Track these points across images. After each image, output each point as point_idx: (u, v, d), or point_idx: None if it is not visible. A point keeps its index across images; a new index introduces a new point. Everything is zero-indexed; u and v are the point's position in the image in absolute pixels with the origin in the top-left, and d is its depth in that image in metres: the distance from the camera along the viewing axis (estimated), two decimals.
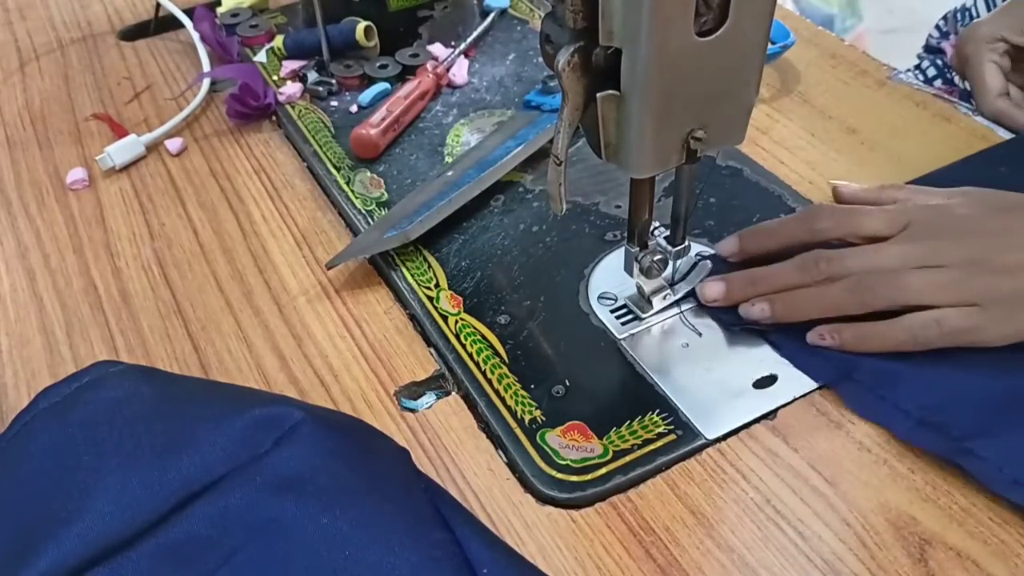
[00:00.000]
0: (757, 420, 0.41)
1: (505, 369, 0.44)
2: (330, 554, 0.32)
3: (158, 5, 0.74)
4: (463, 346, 0.45)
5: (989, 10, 0.75)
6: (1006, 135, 0.57)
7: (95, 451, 0.35)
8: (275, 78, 0.66)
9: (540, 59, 0.55)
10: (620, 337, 0.45)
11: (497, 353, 0.45)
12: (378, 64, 0.66)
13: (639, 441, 0.40)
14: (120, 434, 0.36)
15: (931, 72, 0.80)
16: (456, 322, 0.47)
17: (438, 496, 0.37)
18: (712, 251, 0.49)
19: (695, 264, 0.47)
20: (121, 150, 0.60)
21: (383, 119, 0.59)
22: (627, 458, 0.40)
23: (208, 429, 0.35)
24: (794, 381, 0.42)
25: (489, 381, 0.43)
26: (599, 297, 0.47)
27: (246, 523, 0.33)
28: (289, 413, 0.36)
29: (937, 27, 0.82)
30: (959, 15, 0.79)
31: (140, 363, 0.46)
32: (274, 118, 0.64)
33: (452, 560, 0.33)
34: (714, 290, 0.45)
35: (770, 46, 0.62)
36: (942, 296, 0.40)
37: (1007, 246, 0.41)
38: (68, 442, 0.36)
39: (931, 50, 0.82)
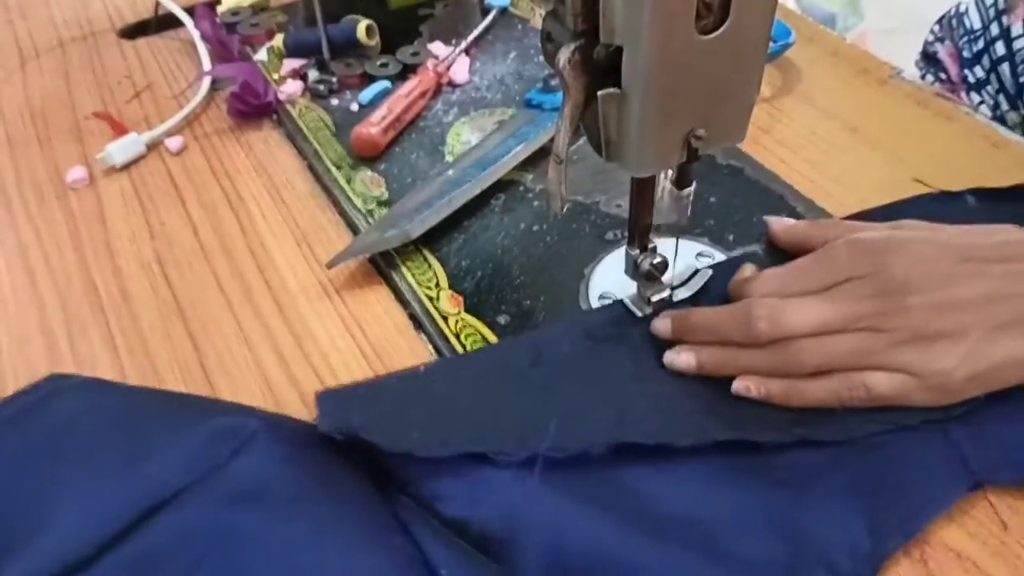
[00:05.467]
0: None
1: None
2: (291, 562, 0.32)
3: (158, 3, 0.74)
4: (463, 346, 0.45)
5: (980, 15, 0.75)
6: (1007, 135, 0.57)
7: (52, 467, 0.35)
8: (275, 76, 0.66)
9: (541, 57, 0.54)
10: None
11: None
12: (379, 62, 0.66)
13: None
14: (77, 449, 0.35)
15: (936, 87, 0.79)
16: (456, 322, 0.46)
17: (396, 499, 0.37)
18: (713, 252, 0.49)
19: (696, 271, 0.47)
20: (121, 149, 0.60)
21: (384, 118, 0.59)
22: None
23: (166, 442, 0.35)
24: None
25: None
26: (599, 297, 0.47)
27: (206, 535, 0.33)
28: (246, 423, 0.36)
29: (932, 31, 0.82)
30: (953, 21, 0.79)
31: (139, 363, 0.46)
32: (275, 117, 0.64)
33: (412, 563, 0.33)
34: (660, 327, 0.43)
35: (771, 44, 0.62)
36: (872, 362, 0.38)
37: (942, 310, 0.38)
38: (23, 458, 0.35)
39: (928, 57, 0.82)
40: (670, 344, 0.43)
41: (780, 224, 0.48)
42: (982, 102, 0.75)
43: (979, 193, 0.49)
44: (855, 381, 0.38)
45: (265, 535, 0.33)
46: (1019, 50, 0.71)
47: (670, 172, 0.41)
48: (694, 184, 0.41)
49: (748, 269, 0.45)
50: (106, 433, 0.36)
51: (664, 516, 0.36)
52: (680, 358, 0.42)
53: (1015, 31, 0.71)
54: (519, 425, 0.38)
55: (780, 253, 0.47)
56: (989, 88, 0.75)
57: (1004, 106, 0.74)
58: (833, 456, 0.38)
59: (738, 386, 0.40)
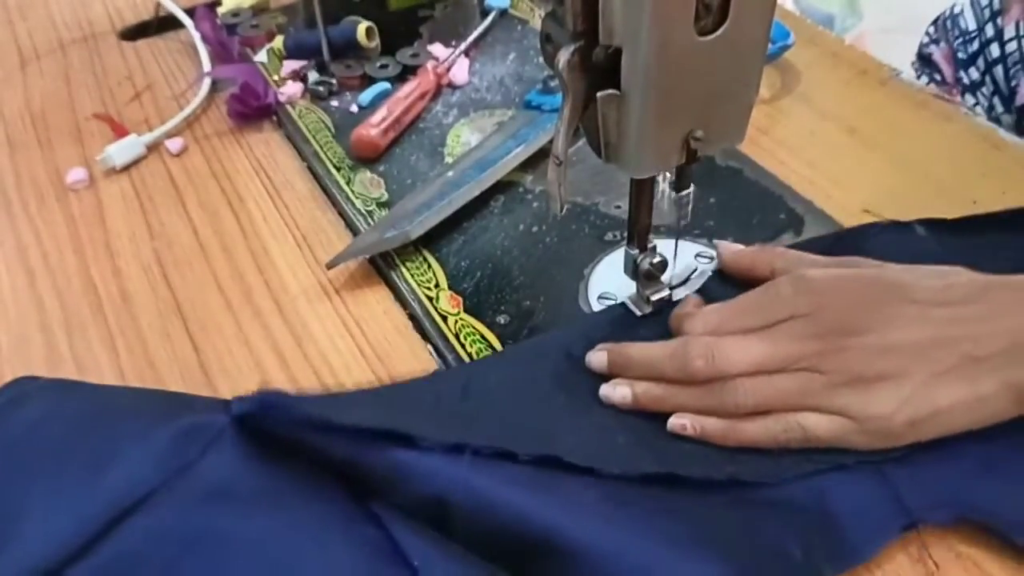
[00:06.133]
0: None
1: None
2: (267, 557, 0.32)
3: (158, 4, 0.74)
4: (463, 346, 0.45)
5: (976, 15, 0.75)
6: (1007, 136, 0.57)
7: (18, 475, 0.35)
8: (275, 78, 0.66)
9: (540, 59, 0.55)
10: None
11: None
12: (378, 64, 0.66)
13: None
14: (43, 457, 0.35)
15: (931, 89, 0.79)
16: (456, 322, 0.47)
17: (370, 492, 0.37)
18: (712, 253, 0.49)
19: (695, 271, 0.47)
20: (121, 150, 0.60)
21: (384, 119, 0.59)
22: None
23: (134, 444, 0.35)
24: None
25: None
26: (599, 297, 0.47)
27: (179, 536, 0.33)
28: (213, 420, 0.36)
29: (927, 33, 0.82)
30: (948, 22, 0.79)
31: (139, 364, 0.46)
32: (275, 118, 0.64)
33: (386, 554, 0.33)
34: (595, 361, 0.42)
35: (770, 46, 0.62)
36: (810, 403, 0.38)
37: (883, 353, 0.37)
38: None
39: (923, 59, 0.82)
40: (607, 376, 0.42)
41: (728, 250, 0.47)
42: (976, 104, 0.76)
43: (929, 224, 0.48)
44: (791, 422, 0.38)
45: (239, 532, 0.33)
46: (1011, 53, 0.71)
47: (669, 174, 0.41)
48: (692, 187, 0.41)
49: (691, 302, 0.44)
50: (72, 439, 0.36)
51: (594, 501, 0.36)
52: (616, 392, 0.41)
53: (1008, 33, 0.71)
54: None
55: (731, 279, 0.46)
56: (984, 90, 0.75)
57: (999, 108, 0.74)
58: (767, 493, 0.37)
59: (674, 423, 0.39)
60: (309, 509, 0.34)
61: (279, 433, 0.35)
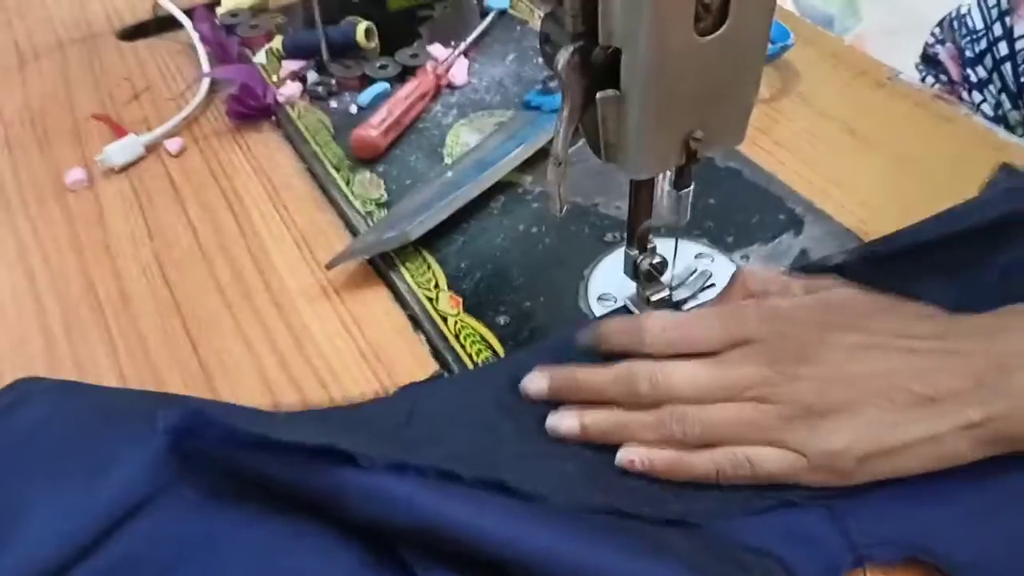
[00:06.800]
0: None
1: None
2: (266, 564, 0.32)
3: (157, 5, 0.74)
4: (462, 347, 0.45)
5: (983, 15, 0.75)
6: (1007, 137, 0.57)
7: (18, 479, 0.34)
8: (274, 78, 0.66)
9: (540, 59, 0.54)
10: None
11: (496, 354, 0.45)
12: (378, 64, 0.66)
13: None
14: (44, 459, 0.35)
15: (937, 89, 0.80)
16: (456, 323, 0.47)
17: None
18: (712, 253, 0.49)
19: (695, 271, 0.47)
20: (120, 150, 0.60)
21: (383, 120, 0.59)
22: None
23: (136, 446, 0.35)
24: None
25: None
26: (598, 298, 0.47)
27: (179, 539, 0.32)
28: None
29: (933, 34, 0.82)
30: (954, 22, 0.79)
31: (138, 364, 0.46)
32: (274, 119, 0.64)
33: (388, 563, 0.33)
34: (534, 386, 0.40)
35: (769, 46, 0.62)
36: (759, 436, 0.36)
37: (835, 384, 0.36)
38: None
39: (928, 59, 0.83)
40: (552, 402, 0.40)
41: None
42: (983, 101, 0.76)
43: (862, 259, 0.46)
44: (739, 457, 0.36)
45: (240, 538, 0.33)
46: (1021, 49, 0.71)
47: (669, 174, 0.41)
48: (692, 185, 0.41)
49: (653, 319, 0.40)
50: (74, 440, 0.36)
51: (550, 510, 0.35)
52: (563, 423, 0.39)
53: (1019, 30, 0.72)
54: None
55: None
56: (991, 88, 0.75)
57: (1006, 105, 0.74)
58: (715, 527, 0.36)
59: (622, 459, 0.38)
60: (312, 515, 0.34)
61: (209, 450, 0.33)
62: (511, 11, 0.74)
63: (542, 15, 0.37)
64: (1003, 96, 0.74)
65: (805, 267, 0.47)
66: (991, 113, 0.75)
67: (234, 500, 0.34)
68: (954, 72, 0.79)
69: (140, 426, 0.36)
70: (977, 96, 0.76)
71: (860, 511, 0.36)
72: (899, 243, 0.46)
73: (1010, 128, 0.73)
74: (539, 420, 0.40)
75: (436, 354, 0.46)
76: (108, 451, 0.35)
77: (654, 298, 0.45)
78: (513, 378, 0.42)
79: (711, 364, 0.38)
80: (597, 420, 0.39)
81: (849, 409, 0.35)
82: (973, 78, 0.76)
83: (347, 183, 0.57)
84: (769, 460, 0.36)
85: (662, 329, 0.39)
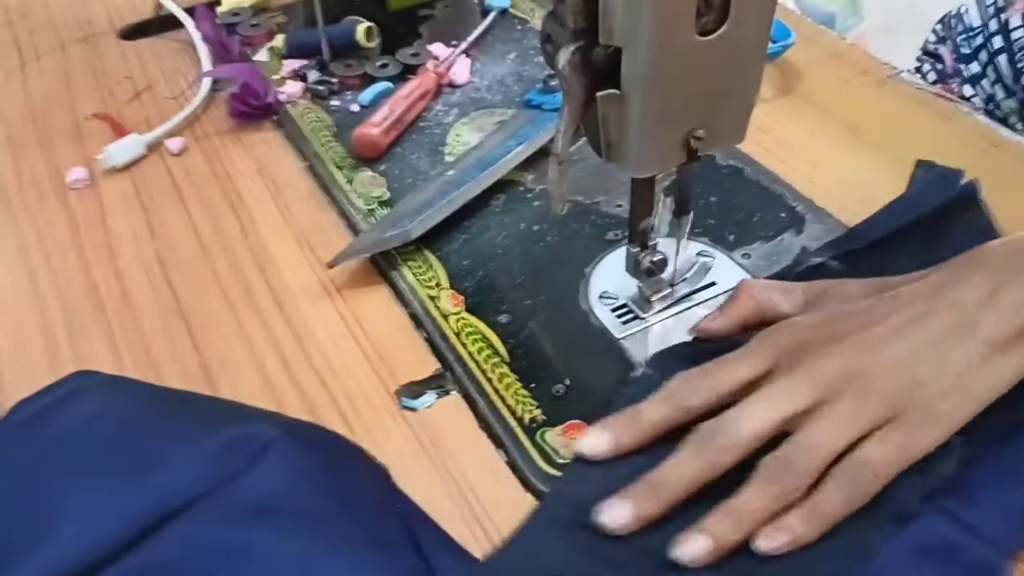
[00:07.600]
0: None
1: (505, 368, 0.44)
2: None
3: (158, 4, 0.74)
4: (464, 345, 0.45)
5: (981, 13, 0.76)
6: (1008, 135, 0.57)
7: (66, 470, 0.34)
8: (276, 77, 0.66)
9: (541, 58, 0.55)
10: (620, 336, 0.45)
11: (497, 352, 0.45)
12: (379, 63, 0.66)
13: None
14: (92, 452, 0.35)
15: (931, 77, 0.80)
16: (457, 321, 0.47)
17: (414, 517, 0.37)
18: (713, 252, 0.49)
19: (695, 265, 0.47)
20: (122, 149, 0.60)
21: (385, 119, 0.59)
22: None
23: (182, 449, 0.35)
24: None
25: (489, 380, 0.43)
26: (600, 296, 0.47)
27: (216, 548, 0.32)
28: (263, 431, 0.35)
29: (934, 31, 0.83)
30: (953, 20, 0.80)
31: (140, 364, 0.46)
32: (275, 118, 0.64)
33: None
34: (618, 518, 0.35)
35: (770, 45, 0.62)
36: (850, 434, 0.35)
37: (877, 341, 0.36)
38: (39, 461, 0.35)
39: (929, 54, 0.83)
40: None
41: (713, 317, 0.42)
42: (975, 95, 0.76)
43: (842, 255, 0.47)
44: (856, 467, 0.34)
45: (277, 550, 0.32)
46: (1017, 39, 0.72)
47: (669, 200, 0.42)
48: (691, 214, 0.42)
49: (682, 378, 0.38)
50: (121, 437, 0.36)
51: None
52: (696, 548, 0.34)
53: (1013, 23, 0.72)
54: None
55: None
56: (985, 81, 0.76)
57: (1000, 94, 0.75)
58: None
59: (764, 547, 0.34)
60: (351, 532, 0.34)
61: None
62: (512, 10, 0.74)
63: (543, 14, 0.37)
64: (997, 88, 0.75)
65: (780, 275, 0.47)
66: (982, 106, 0.76)
67: (278, 512, 0.33)
68: (949, 67, 0.79)
69: (189, 428, 0.36)
70: (968, 90, 0.77)
71: (974, 509, 0.35)
72: (865, 238, 0.47)
73: (1003, 120, 0.73)
74: (641, 552, 0.35)
75: (437, 352, 0.46)
76: (154, 451, 0.35)
77: (655, 297, 0.45)
78: (573, 521, 0.36)
79: (760, 400, 0.36)
80: (723, 531, 0.34)
81: (900, 353, 0.36)
82: (966, 73, 0.77)
83: (348, 182, 0.57)
84: (878, 452, 0.34)
85: (694, 387, 0.37)
